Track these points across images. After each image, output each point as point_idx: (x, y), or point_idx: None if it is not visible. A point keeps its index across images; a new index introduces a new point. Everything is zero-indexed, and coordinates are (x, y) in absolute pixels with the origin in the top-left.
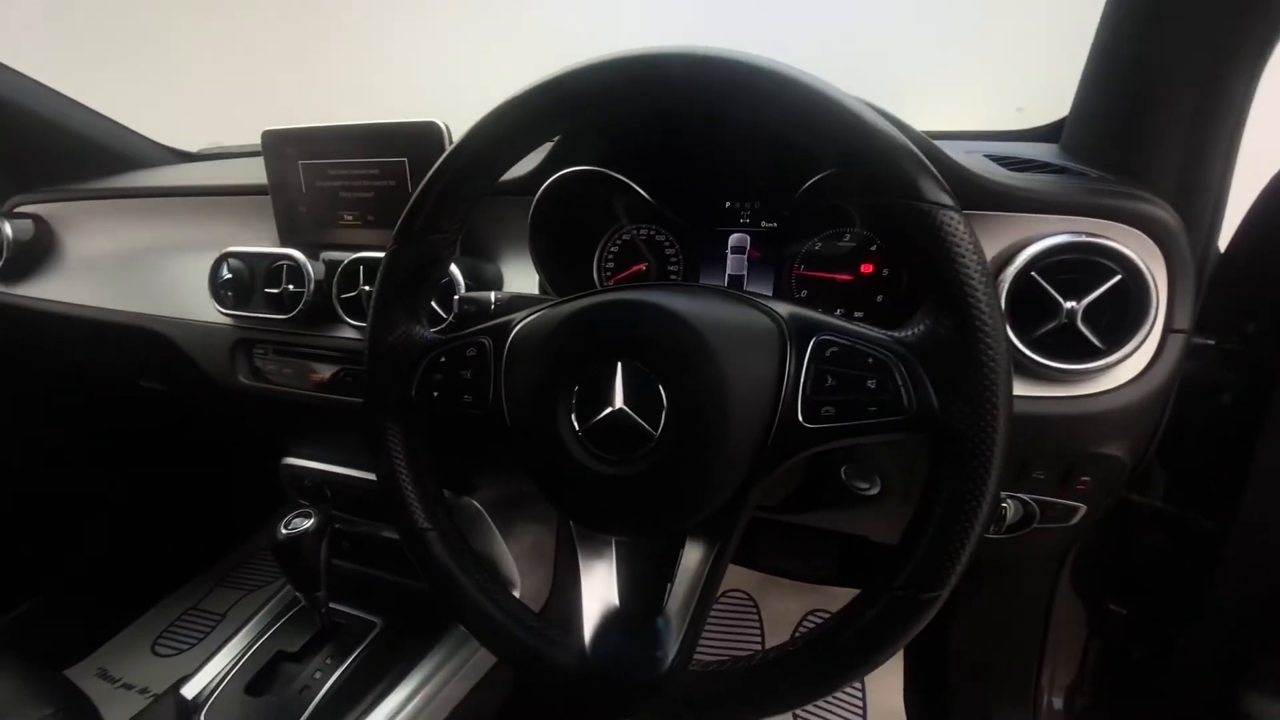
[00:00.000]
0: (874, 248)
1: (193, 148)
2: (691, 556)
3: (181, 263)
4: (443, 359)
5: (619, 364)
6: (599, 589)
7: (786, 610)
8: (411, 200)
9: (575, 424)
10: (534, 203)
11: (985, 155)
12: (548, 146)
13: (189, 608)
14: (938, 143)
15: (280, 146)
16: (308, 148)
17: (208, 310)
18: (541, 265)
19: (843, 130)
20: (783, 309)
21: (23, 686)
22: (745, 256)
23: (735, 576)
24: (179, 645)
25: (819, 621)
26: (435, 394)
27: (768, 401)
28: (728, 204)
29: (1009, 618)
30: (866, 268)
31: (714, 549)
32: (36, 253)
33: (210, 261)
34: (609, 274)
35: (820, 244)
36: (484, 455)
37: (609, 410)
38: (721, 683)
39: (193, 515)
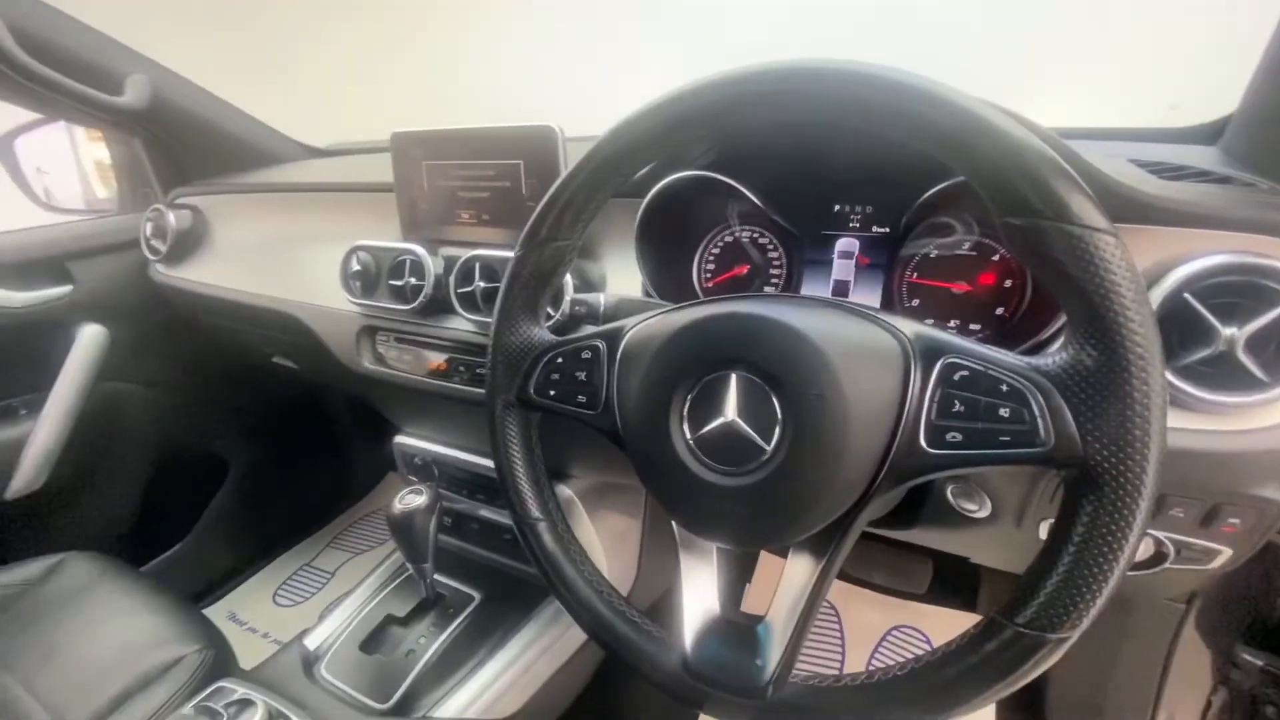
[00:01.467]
0: (995, 257)
1: (321, 144)
2: (797, 568)
3: (315, 253)
4: (559, 360)
5: (733, 375)
6: (700, 592)
7: (869, 624)
8: (539, 208)
9: (687, 432)
10: (643, 206)
11: (1131, 160)
12: None
13: (304, 564)
14: (1073, 143)
15: (407, 147)
16: (432, 149)
17: (338, 298)
18: (645, 266)
19: (978, 141)
20: (907, 327)
21: (173, 623)
22: (853, 262)
23: None
24: (295, 598)
25: (904, 639)
26: (551, 393)
27: (888, 423)
28: (837, 208)
29: (1124, 658)
30: (986, 278)
31: (820, 564)
32: (193, 240)
33: (341, 253)
34: (709, 275)
35: (935, 251)
36: (580, 446)
37: (721, 420)
38: (823, 698)
39: (310, 479)
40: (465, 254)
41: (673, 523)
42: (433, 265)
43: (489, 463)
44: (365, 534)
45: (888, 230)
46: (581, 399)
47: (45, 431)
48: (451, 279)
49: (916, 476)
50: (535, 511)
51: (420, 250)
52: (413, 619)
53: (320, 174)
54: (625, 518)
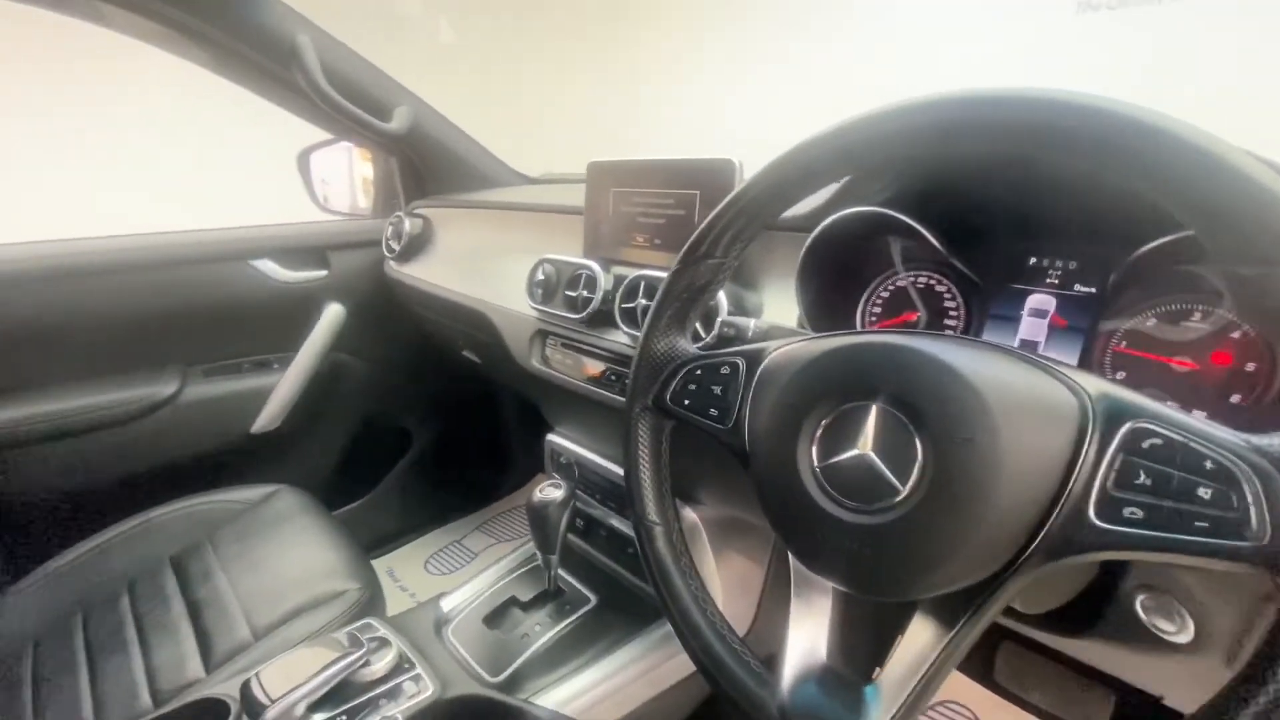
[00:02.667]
0: (1236, 333)
1: (533, 173)
2: (919, 633)
3: (510, 263)
4: (698, 371)
5: (873, 407)
6: (808, 634)
7: None
8: (703, 224)
9: (814, 458)
10: (809, 240)
11: None
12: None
13: (455, 540)
14: None
15: (600, 175)
16: (620, 177)
17: (521, 302)
18: (804, 301)
19: (1201, 175)
20: (1090, 384)
21: (346, 561)
22: (1046, 322)
23: (958, 683)
24: (442, 569)
25: None
26: (686, 402)
27: (1049, 485)
28: (1033, 260)
29: None
30: (1221, 357)
31: (947, 634)
32: (420, 243)
33: (530, 264)
34: (874, 319)
35: (1154, 319)
36: (715, 472)
37: (853, 452)
38: None
39: (473, 466)
40: (633, 273)
41: (790, 557)
42: (604, 280)
43: None
44: (510, 525)
45: (1093, 290)
46: (714, 412)
47: (288, 384)
48: (618, 295)
49: (1079, 553)
50: (653, 514)
51: (596, 266)
52: (532, 606)
53: (527, 198)
54: (749, 561)
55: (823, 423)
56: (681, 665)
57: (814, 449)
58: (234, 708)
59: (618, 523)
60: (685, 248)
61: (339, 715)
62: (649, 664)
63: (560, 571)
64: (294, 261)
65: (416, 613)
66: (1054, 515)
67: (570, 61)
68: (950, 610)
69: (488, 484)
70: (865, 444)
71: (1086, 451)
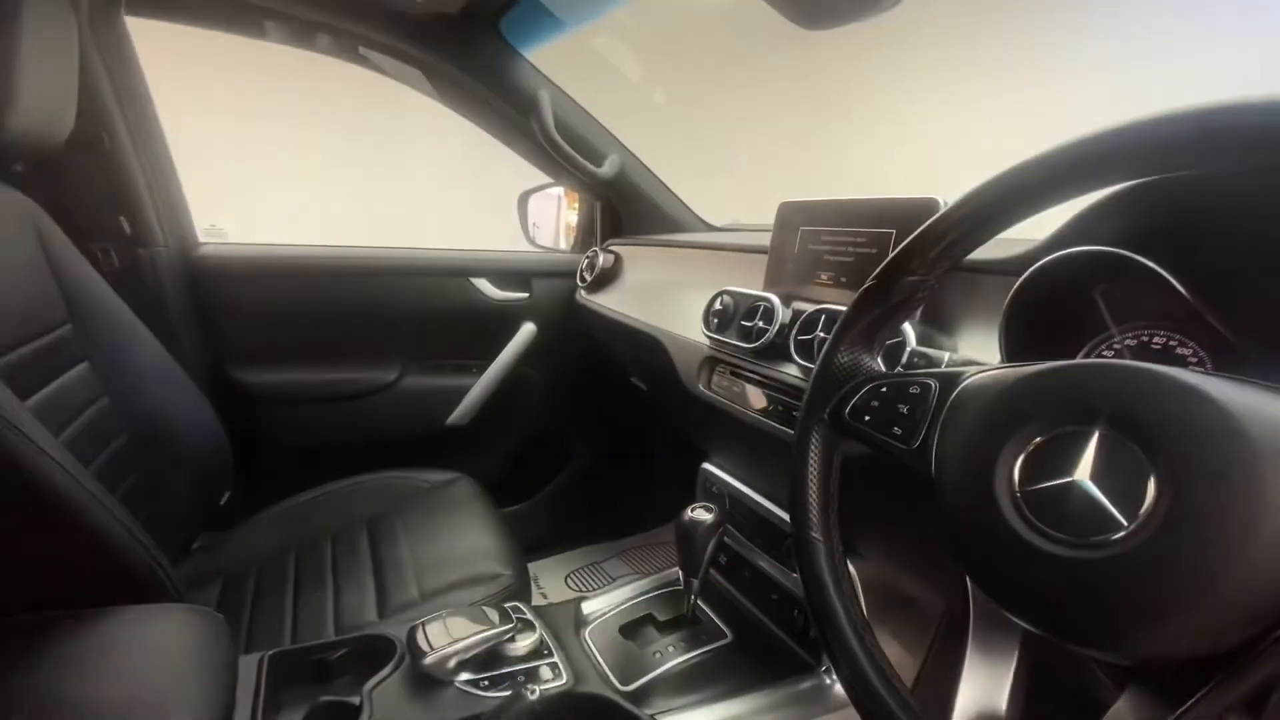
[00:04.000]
0: None
1: (718, 224)
2: (1131, 705)
3: (689, 295)
4: (884, 389)
5: (1095, 433)
6: (984, 686)
7: None
8: (909, 239)
9: (1015, 483)
10: (1019, 283)
11: None
12: (1047, 228)
13: (594, 562)
14: None
15: (790, 214)
16: (810, 216)
17: (695, 331)
18: (1008, 354)
19: None
20: None
21: (504, 551)
22: None
23: None
24: (580, 587)
25: None
26: (866, 418)
27: None
28: None
29: None
30: None
31: (1168, 715)
32: (610, 276)
33: (708, 296)
34: None
35: None
36: (880, 519)
37: (1065, 480)
38: None
39: (623, 493)
40: (813, 307)
41: (970, 612)
42: (781, 313)
43: (779, 511)
44: (650, 559)
45: None
46: (897, 431)
47: (481, 387)
48: (795, 327)
49: None
50: (816, 531)
51: (775, 300)
52: (668, 628)
53: (710, 241)
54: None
55: (1029, 446)
56: None
57: (1016, 473)
58: (399, 648)
59: (765, 564)
60: (884, 263)
61: (482, 679)
62: (778, 716)
63: (699, 602)
64: (503, 282)
65: (559, 608)
66: None
67: (769, 120)
68: (1173, 683)
69: (635, 513)
70: (1082, 471)
71: None
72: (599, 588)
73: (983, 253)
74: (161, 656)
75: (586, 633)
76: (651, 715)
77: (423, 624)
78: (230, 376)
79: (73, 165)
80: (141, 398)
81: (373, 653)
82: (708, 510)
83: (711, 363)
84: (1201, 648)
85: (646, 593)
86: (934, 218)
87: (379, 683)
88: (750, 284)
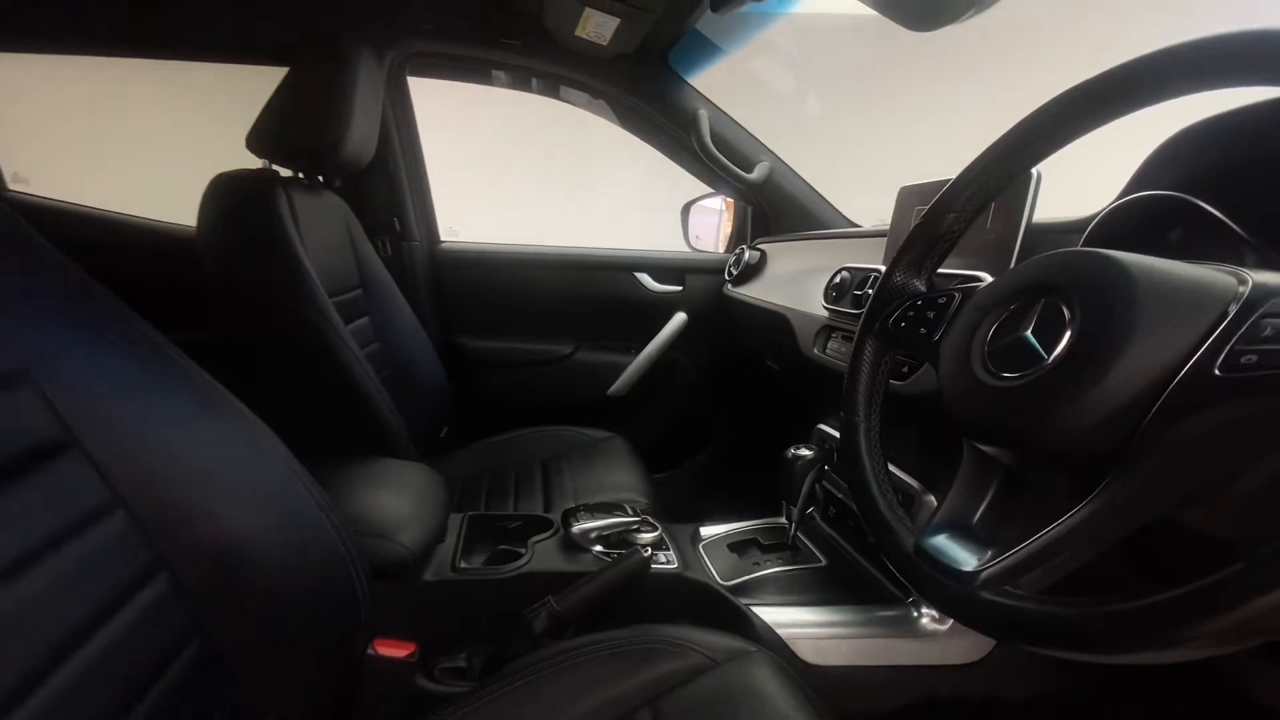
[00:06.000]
0: None
1: (865, 224)
2: (1055, 503)
3: (815, 277)
4: (920, 303)
5: (1041, 300)
6: (962, 502)
7: None
8: (944, 189)
9: (985, 345)
10: (1084, 239)
11: None
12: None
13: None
14: None
15: (907, 196)
16: (924, 195)
17: (816, 306)
18: None
19: None
20: (1261, 276)
21: (644, 487)
22: None
23: None
24: None
25: None
26: (902, 325)
27: (1178, 356)
28: None
29: None
30: None
31: (1079, 503)
32: (753, 270)
33: (830, 275)
34: None
35: None
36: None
37: (1014, 336)
38: (1034, 603)
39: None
40: None
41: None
42: None
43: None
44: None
45: None
46: (923, 331)
47: (637, 366)
48: None
49: (1202, 407)
50: (858, 415)
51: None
52: (770, 549)
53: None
54: None
55: (998, 319)
56: (893, 652)
57: (986, 338)
58: (556, 524)
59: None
60: (929, 206)
61: (612, 553)
62: (863, 631)
63: (800, 534)
64: (661, 277)
65: (680, 526)
66: (1177, 377)
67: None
68: (1085, 484)
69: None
70: (1026, 329)
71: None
72: None
73: (1049, 215)
74: (406, 491)
75: (700, 545)
76: (746, 603)
77: (575, 509)
78: (454, 341)
79: (368, 181)
80: (398, 347)
81: (537, 526)
82: (809, 449)
83: (828, 330)
84: (1098, 442)
85: (756, 525)
86: (965, 166)
87: (539, 540)
88: (871, 261)
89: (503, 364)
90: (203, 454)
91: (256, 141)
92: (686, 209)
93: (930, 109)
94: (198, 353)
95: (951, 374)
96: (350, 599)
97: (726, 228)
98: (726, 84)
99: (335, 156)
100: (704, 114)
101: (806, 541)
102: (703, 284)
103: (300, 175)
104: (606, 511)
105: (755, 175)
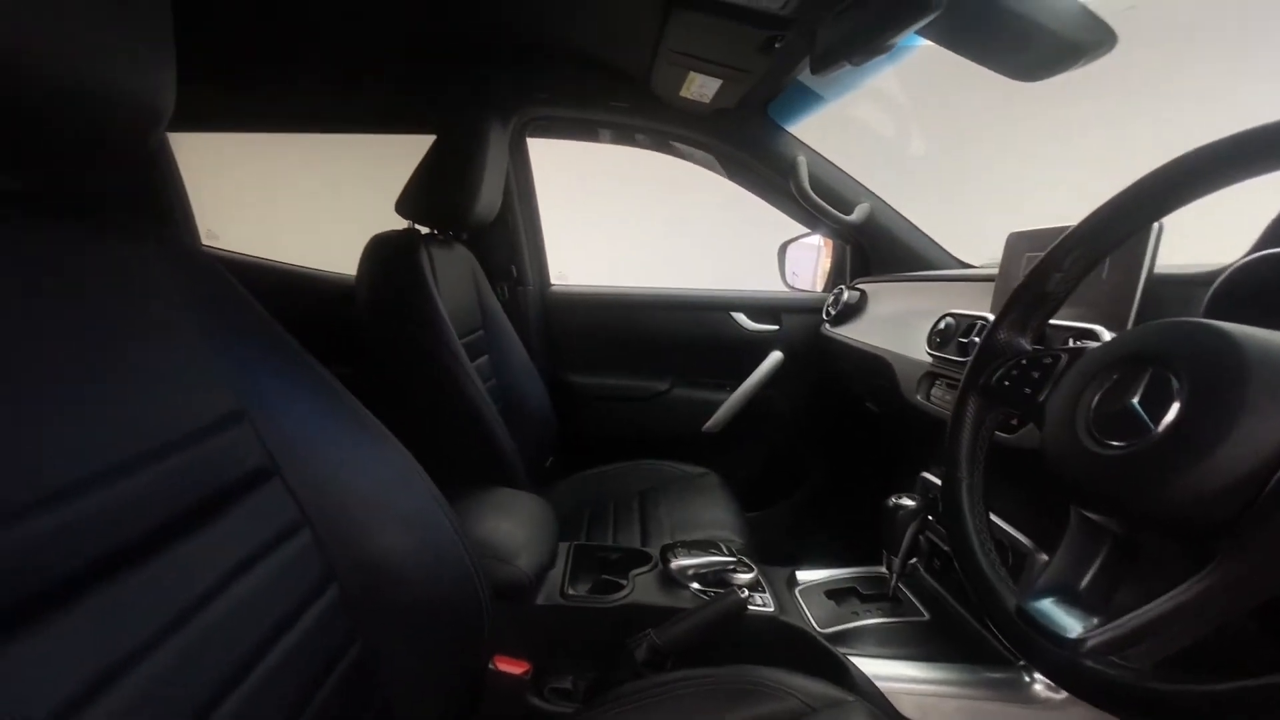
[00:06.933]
0: None
1: (976, 263)
2: (1161, 576)
3: (917, 320)
4: (1025, 362)
5: (1149, 370)
6: (1068, 566)
7: None
8: (1052, 247)
9: (1090, 411)
10: (1210, 294)
11: None
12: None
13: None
14: None
15: (1017, 242)
16: (1036, 243)
17: (919, 351)
18: None
19: None
20: None
21: (739, 526)
22: None
23: None
24: None
25: None
26: (1006, 383)
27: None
28: None
29: None
30: None
31: (1186, 580)
32: (853, 310)
33: (934, 320)
34: None
35: None
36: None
37: (1121, 405)
38: (1132, 676)
39: (856, 518)
40: None
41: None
42: None
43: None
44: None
45: None
46: (1027, 390)
47: (732, 403)
48: None
49: None
50: (960, 472)
51: (993, 318)
52: (870, 600)
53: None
54: None
55: (1104, 386)
56: (1002, 717)
57: (1092, 405)
58: (655, 558)
59: None
60: (1036, 264)
61: (709, 590)
62: (971, 692)
63: (902, 586)
64: (757, 316)
65: (776, 569)
66: None
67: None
68: (1200, 554)
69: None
70: (1133, 397)
71: None
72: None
73: (1170, 267)
74: (521, 516)
75: (797, 590)
76: (844, 652)
77: (673, 545)
78: (560, 377)
79: (491, 234)
80: (512, 384)
81: (637, 559)
82: (911, 499)
83: (931, 377)
84: (1203, 514)
85: (853, 572)
86: (1074, 225)
87: (639, 574)
88: (977, 307)
89: (603, 399)
90: (366, 479)
91: (403, 206)
92: (784, 248)
93: (1061, 138)
94: (347, 384)
95: (1056, 438)
96: (476, 614)
97: (824, 265)
98: (829, 126)
99: (468, 216)
100: (803, 160)
101: (909, 593)
102: (799, 323)
103: (437, 232)
104: (703, 549)
105: (855, 217)
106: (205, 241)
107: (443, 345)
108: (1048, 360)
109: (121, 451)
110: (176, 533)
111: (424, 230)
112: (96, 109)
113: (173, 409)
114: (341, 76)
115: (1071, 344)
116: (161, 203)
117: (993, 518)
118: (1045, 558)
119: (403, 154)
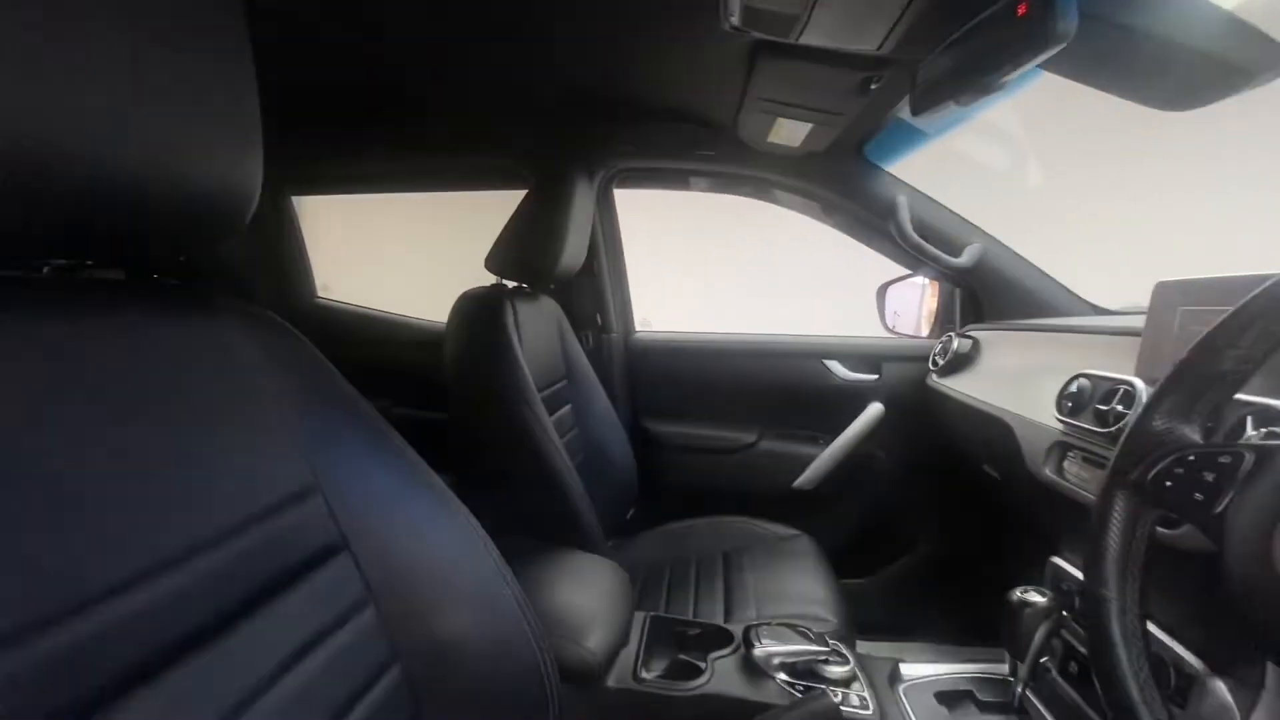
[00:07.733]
0: None
1: (1113, 307)
2: None
3: (1045, 379)
4: (1192, 458)
5: None
6: None
7: None
8: (1225, 316)
9: None
10: None
11: None
12: None
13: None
14: None
15: (1168, 293)
16: (1192, 295)
17: (1046, 415)
18: None
19: None
20: None
21: (837, 604)
22: None
23: None
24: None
25: None
26: (1168, 484)
27: None
28: None
29: None
30: None
31: None
32: (964, 360)
33: (1063, 379)
34: None
35: None
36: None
37: None
38: None
39: (972, 589)
40: None
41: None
42: (1145, 397)
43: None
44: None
45: None
46: (1198, 497)
47: (826, 458)
48: None
49: None
50: (1109, 589)
51: (1139, 384)
52: (989, 710)
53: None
54: None
55: None
56: None
57: None
58: (737, 640)
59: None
60: (1203, 335)
61: (797, 684)
62: None
63: (1030, 695)
64: (853, 364)
65: (877, 659)
66: None
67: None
68: None
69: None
70: None
71: None
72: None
73: None
74: (593, 587)
75: (901, 687)
76: None
77: (758, 626)
78: (643, 425)
79: (577, 283)
80: (594, 433)
81: (717, 638)
82: (1040, 594)
83: (1062, 448)
84: None
85: (969, 669)
86: (1256, 291)
87: (719, 657)
88: (1118, 368)
89: (687, 449)
90: (434, 554)
91: (491, 261)
92: (883, 289)
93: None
94: (431, 428)
95: (1244, 565)
96: (542, 700)
97: (930, 305)
98: (936, 162)
99: (553, 269)
100: (903, 200)
101: (1037, 703)
102: (902, 372)
103: (524, 285)
104: (792, 631)
105: (964, 259)
106: (320, 294)
107: (523, 403)
108: (1225, 459)
109: (206, 527)
110: (246, 612)
111: (510, 285)
112: (189, 204)
113: (254, 482)
114: (447, 139)
115: (1259, 434)
116: (283, 262)
117: (1150, 627)
118: (1221, 686)
119: (496, 205)
